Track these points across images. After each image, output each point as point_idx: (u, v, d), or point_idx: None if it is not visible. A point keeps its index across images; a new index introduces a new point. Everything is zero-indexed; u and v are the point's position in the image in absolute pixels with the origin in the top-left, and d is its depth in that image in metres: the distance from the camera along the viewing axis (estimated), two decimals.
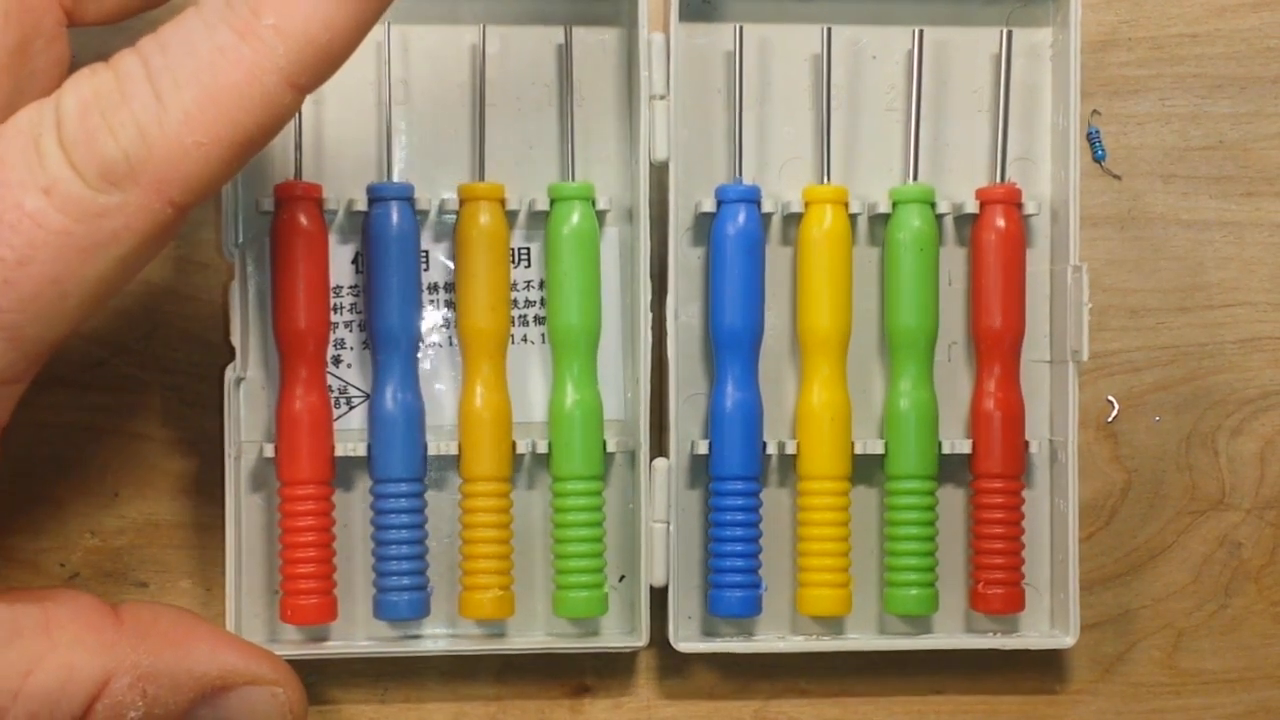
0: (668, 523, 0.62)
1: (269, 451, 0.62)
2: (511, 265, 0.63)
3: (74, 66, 0.50)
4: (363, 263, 0.62)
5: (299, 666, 0.57)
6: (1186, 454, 0.67)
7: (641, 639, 0.62)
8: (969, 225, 0.64)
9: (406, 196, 0.61)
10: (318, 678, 0.63)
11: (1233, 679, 0.68)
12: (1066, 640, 0.64)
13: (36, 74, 0.51)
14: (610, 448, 0.63)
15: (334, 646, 0.63)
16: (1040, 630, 0.66)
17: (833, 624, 0.65)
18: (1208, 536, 0.67)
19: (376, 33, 0.61)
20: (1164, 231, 0.67)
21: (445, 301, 0.63)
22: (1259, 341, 0.67)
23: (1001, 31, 0.64)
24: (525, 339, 0.64)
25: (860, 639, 0.65)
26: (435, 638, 0.64)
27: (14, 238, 0.46)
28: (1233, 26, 0.66)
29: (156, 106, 0.46)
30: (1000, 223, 0.63)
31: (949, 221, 0.65)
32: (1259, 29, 0.66)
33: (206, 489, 0.63)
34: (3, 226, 0.46)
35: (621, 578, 0.64)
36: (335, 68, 0.48)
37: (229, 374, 0.61)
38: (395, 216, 0.61)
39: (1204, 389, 0.67)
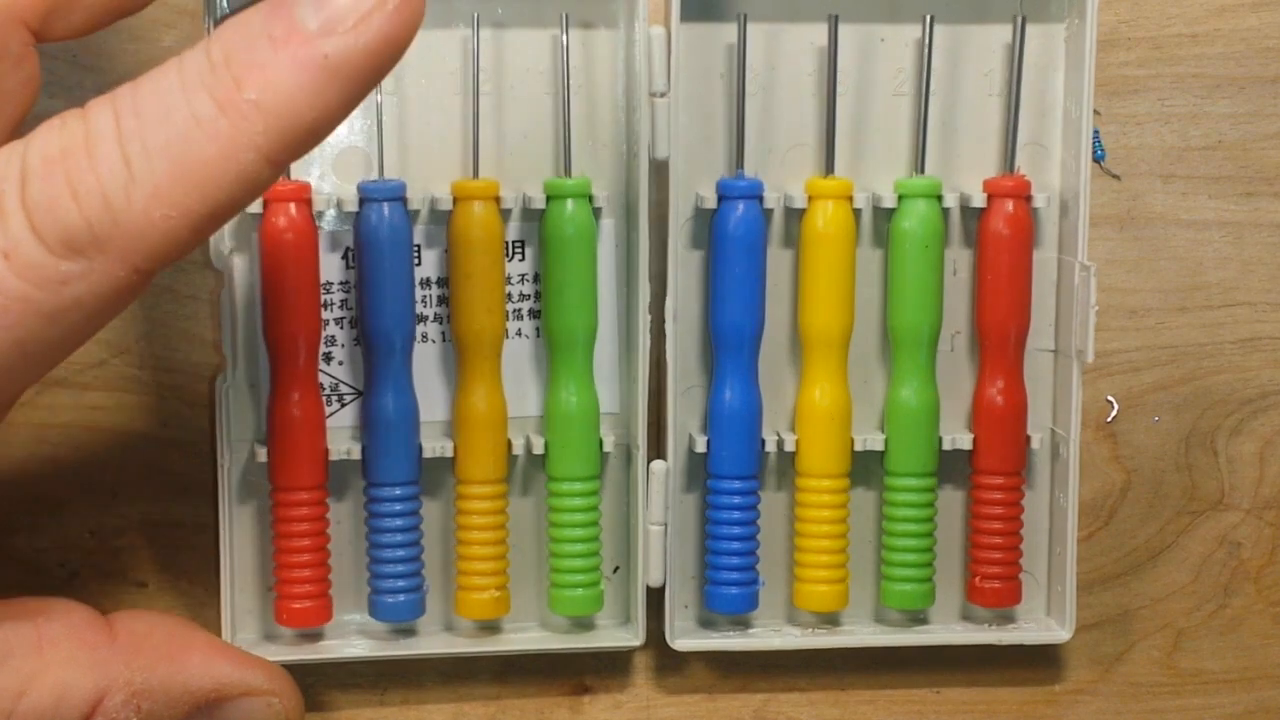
0: (665, 525, 0.62)
1: (262, 455, 0.61)
2: (505, 260, 0.63)
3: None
4: (354, 260, 0.62)
5: (295, 670, 0.57)
6: (1186, 454, 0.67)
7: (638, 638, 0.62)
8: (976, 216, 0.64)
9: (398, 195, 0.61)
10: (315, 680, 0.64)
11: (1232, 679, 0.68)
12: (1063, 634, 0.64)
13: (6, 95, 0.50)
14: (606, 447, 0.63)
15: (329, 648, 0.63)
16: (1037, 622, 0.66)
17: (829, 617, 0.65)
18: (1207, 536, 0.67)
19: None
20: (1163, 231, 0.66)
21: (438, 299, 0.63)
22: (1258, 341, 0.67)
23: (1015, 18, 0.62)
24: (520, 334, 0.64)
25: (856, 633, 0.65)
26: (431, 637, 0.64)
27: None
28: (1232, 27, 0.66)
29: (125, 175, 0.44)
30: (1008, 217, 0.63)
31: (955, 211, 0.64)
32: (1258, 29, 0.66)
33: (206, 489, 0.63)
34: None
35: (615, 569, 0.65)
36: (316, 144, 0.46)
37: (219, 382, 0.61)
38: (387, 215, 0.61)
39: (1203, 389, 0.67)
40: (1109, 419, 0.67)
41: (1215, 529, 0.67)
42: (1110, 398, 0.67)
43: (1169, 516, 0.67)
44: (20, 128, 0.49)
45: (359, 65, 0.44)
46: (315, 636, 0.63)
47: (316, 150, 0.62)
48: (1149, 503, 0.67)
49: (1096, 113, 0.66)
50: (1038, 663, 0.67)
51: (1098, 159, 0.66)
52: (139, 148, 0.44)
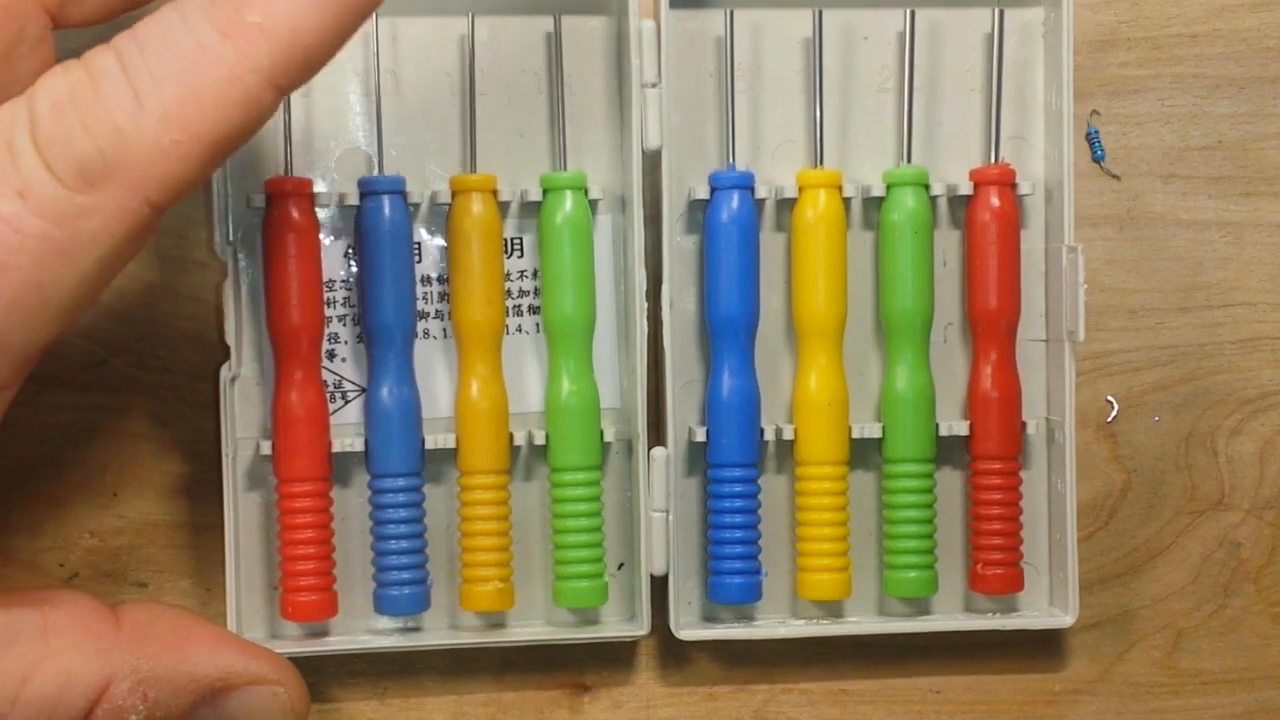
0: (667, 512, 0.62)
1: (266, 449, 0.62)
2: (505, 256, 0.63)
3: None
4: (355, 256, 0.62)
5: (301, 663, 0.57)
6: (1186, 454, 0.67)
7: (642, 628, 0.62)
8: (963, 206, 0.64)
9: (398, 189, 0.61)
10: (317, 677, 0.63)
11: (1232, 679, 0.68)
12: (1066, 619, 0.64)
13: (21, 79, 0.50)
14: (607, 437, 0.63)
15: (335, 642, 0.63)
16: (1040, 609, 0.66)
17: (832, 609, 0.65)
18: (1207, 537, 0.67)
19: (364, 24, 0.61)
20: (1163, 231, 0.67)
21: (439, 294, 0.63)
22: (1258, 341, 0.67)
23: (993, 10, 0.63)
24: (520, 329, 0.64)
25: (860, 622, 0.65)
26: (436, 631, 0.64)
27: None
28: (1232, 27, 0.66)
29: (134, 104, 0.46)
30: (994, 203, 0.63)
31: (943, 203, 0.65)
32: (1258, 29, 0.66)
33: (205, 488, 0.63)
34: None
35: (620, 565, 0.65)
36: (317, 69, 0.48)
37: (224, 373, 0.61)
38: (387, 209, 0.61)
39: (1203, 389, 0.67)
40: (1109, 419, 0.67)
41: (1215, 529, 0.67)
42: (1110, 398, 0.67)
43: (1169, 516, 0.67)
44: None
45: None
46: (320, 633, 0.63)
47: (319, 150, 0.62)
48: (1149, 503, 0.67)
49: (1096, 113, 0.66)
50: (1038, 660, 0.67)
51: (1098, 159, 0.66)
52: (147, 78, 0.46)
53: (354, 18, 0.47)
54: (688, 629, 0.63)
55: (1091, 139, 0.66)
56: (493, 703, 0.65)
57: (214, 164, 0.47)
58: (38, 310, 0.46)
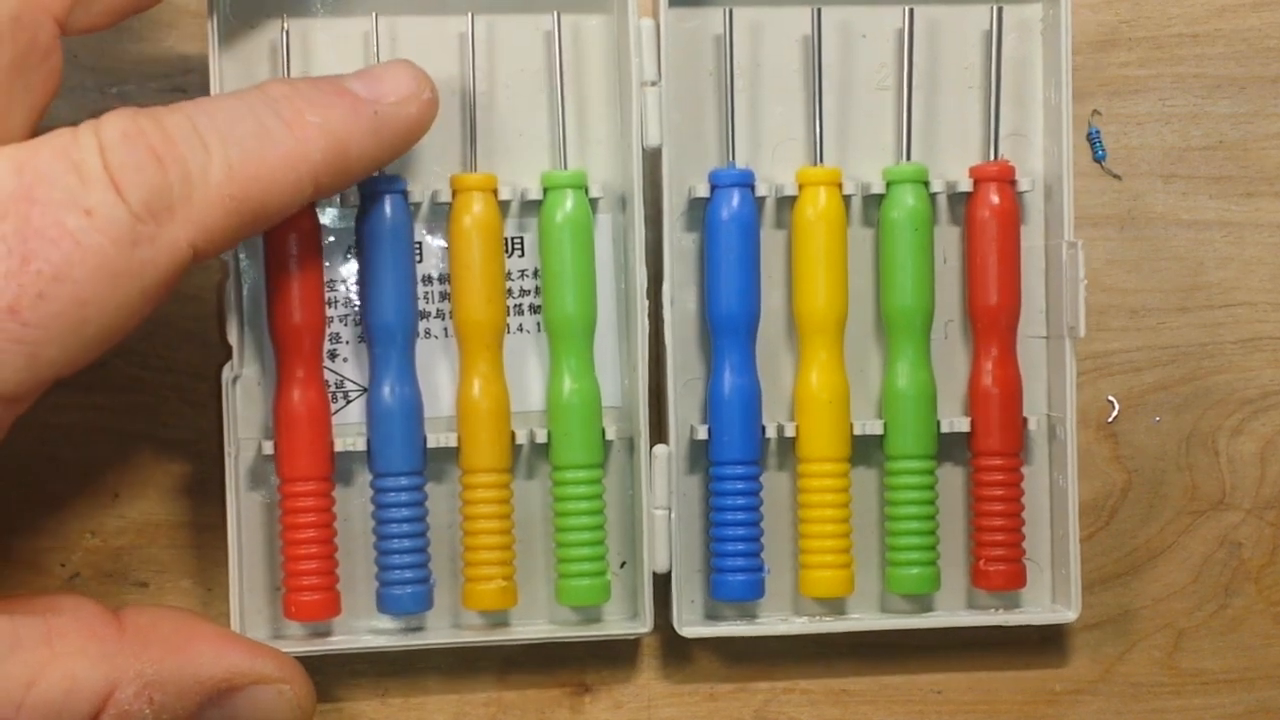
0: (669, 509, 0.62)
1: (268, 449, 0.62)
2: (505, 255, 0.63)
3: None
4: (356, 256, 0.62)
5: (303, 663, 0.57)
6: (1186, 454, 0.67)
7: (645, 625, 0.62)
8: (963, 203, 0.64)
9: (399, 189, 0.61)
10: (319, 676, 0.63)
11: (1233, 679, 0.68)
12: (1069, 615, 0.64)
13: (32, 86, 0.51)
14: (609, 435, 0.63)
15: (337, 641, 0.63)
16: (1042, 605, 0.66)
17: (835, 606, 0.65)
18: (1208, 537, 0.67)
19: (364, 24, 0.62)
20: (1164, 231, 0.67)
21: (440, 293, 0.63)
22: (1259, 341, 0.67)
23: (992, 7, 0.64)
24: (521, 328, 0.64)
25: (862, 619, 0.65)
26: (438, 630, 0.64)
27: (53, 253, 0.47)
28: (1233, 26, 0.66)
29: (204, 153, 0.49)
30: (994, 200, 0.63)
31: (943, 200, 0.65)
32: (1259, 29, 0.67)
33: (207, 489, 0.63)
34: (44, 241, 0.47)
35: (623, 564, 0.65)
36: (352, 182, 0.55)
37: (226, 372, 0.60)
38: (388, 209, 0.61)
39: (1204, 389, 0.67)
40: (1110, 419, 0.67)
41: (1216, 529, 0.67)
42: (1111, 398, 0.67)
43: (1170, 516, 0.67)
44: (41, 121, 0.52)
45: (398, 126, 0.55)
46: (323, 632, 0.63)
47: None
48: (1150, 503, 0.67)
49: (1097, 113, 0.66)
50: (1039, 660, 0.67)
51: (1098, 159, 0.66)
52: (216, 137, 0.50)
53: (389, 148, 0.55)
54: (690, 626, 0.63)
55: (1092, 139, 0.66)
56: (494, 702, 0.65)
57: (242, 236, 0.52)
58: (75, 329, 0.48)
